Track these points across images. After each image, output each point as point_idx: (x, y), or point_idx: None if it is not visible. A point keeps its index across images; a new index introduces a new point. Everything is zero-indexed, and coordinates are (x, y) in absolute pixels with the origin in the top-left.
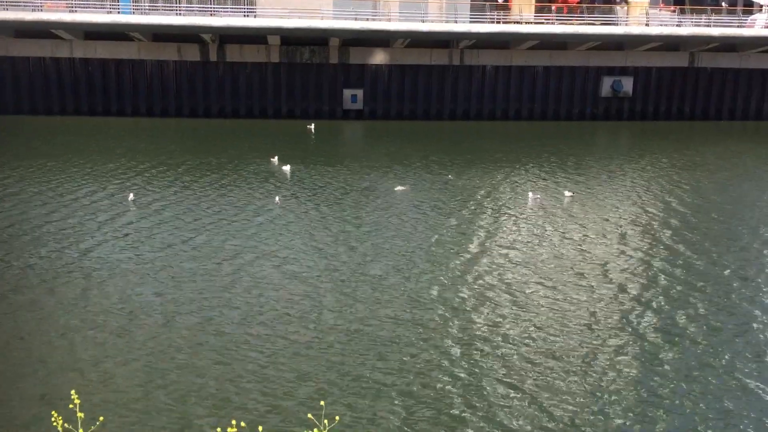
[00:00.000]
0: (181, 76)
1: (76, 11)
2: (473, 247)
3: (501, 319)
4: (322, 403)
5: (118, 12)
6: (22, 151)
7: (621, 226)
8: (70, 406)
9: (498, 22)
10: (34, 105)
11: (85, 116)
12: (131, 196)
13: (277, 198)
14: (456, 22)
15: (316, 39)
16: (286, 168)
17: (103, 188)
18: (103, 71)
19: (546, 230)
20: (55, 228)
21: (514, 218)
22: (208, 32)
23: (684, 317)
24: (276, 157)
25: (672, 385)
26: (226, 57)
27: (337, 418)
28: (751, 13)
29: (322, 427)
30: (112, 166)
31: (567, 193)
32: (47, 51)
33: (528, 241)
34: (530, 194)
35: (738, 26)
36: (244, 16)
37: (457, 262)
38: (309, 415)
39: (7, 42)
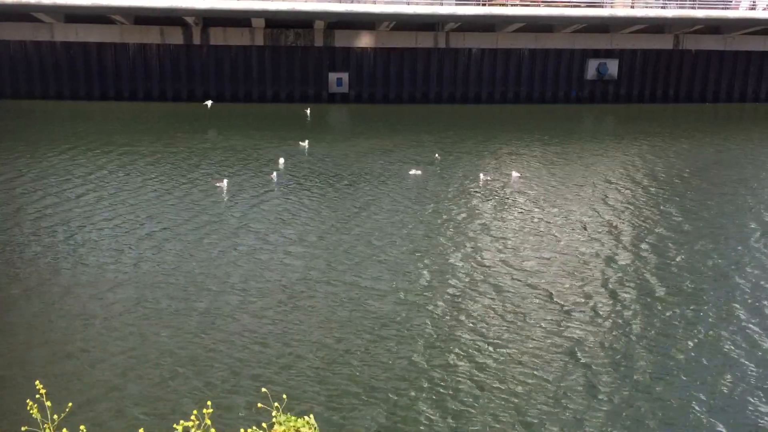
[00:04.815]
0: (164, 59)
1: None
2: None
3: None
4: (284, 396)
5: None
6: (2, 135)
7: (564, 207)
8: (37, 396)
9: (483, 5)
10: (16, 89)
11: (68, 100)
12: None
13: (274, 173)
14: (441, 4)
15: (301, 22)
16: (282, 160)
17: (88, 171)
18: (84, 55)
19: (488, 209)
20: (29, 214)
21: (463, 200)
22: (192, 15)
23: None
24: (306, 141)
25: (644, 366)
26: (209, 40)
27: (284, 396)
28: None
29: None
30: (95, 147)
31: (514, 174)
32: (28, 34)
33: (467, 221)
34: (481, 175)
35: (723, 8)
36: None
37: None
38: (263, 388)
39: None
